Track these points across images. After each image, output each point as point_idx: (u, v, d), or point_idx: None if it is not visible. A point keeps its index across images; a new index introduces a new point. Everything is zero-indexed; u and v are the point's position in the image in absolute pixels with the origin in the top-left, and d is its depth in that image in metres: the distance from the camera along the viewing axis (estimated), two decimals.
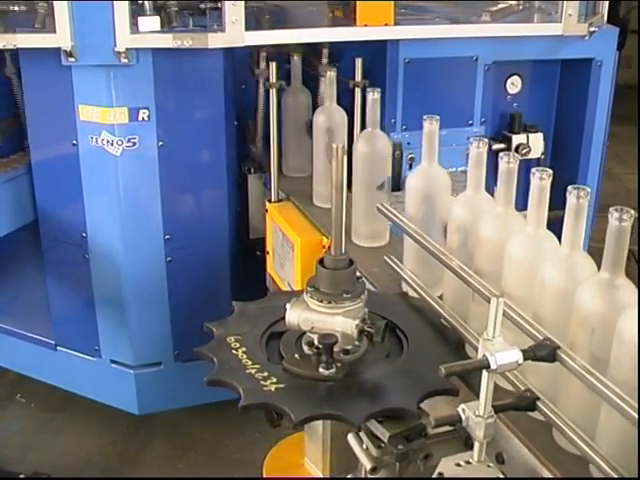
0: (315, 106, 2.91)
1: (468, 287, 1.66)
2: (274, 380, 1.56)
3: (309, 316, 1.63)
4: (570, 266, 1.42)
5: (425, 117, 1.90)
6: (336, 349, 1.60)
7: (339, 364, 1.59)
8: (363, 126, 2.47)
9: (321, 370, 1.58)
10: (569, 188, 1.40)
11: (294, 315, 1.64)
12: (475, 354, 1.61)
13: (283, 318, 1.73)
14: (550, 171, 1.49)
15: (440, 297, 1.87)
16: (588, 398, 1.34)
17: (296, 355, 1.65)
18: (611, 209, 1.30)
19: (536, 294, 1.49)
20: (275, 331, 1.74)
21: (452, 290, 1.81)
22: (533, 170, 1.50)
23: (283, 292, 1.93)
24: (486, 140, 1.72)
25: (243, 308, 1.84)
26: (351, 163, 2.27)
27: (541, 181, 1.49)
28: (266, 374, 1.57)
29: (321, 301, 1.63)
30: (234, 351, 1.65)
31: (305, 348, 1.66)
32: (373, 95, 2.28)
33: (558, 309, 1.44)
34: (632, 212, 1.31)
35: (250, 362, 1.61)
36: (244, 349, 1.65)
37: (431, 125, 1.89)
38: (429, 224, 1.92)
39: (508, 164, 1.60)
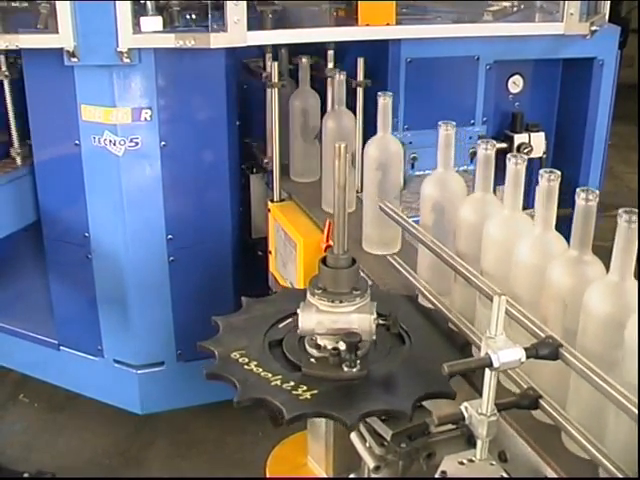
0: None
1: (450, 270, 1.75)
2: (304, 388, 1.55)
3: (323, 318, 1.62)
4: (543, 244, 1.49)
5: (380, 94, 2.21)
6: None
7: (359, 361, 1.60)
8: (371, 128, 2.49)
9: (346, 369, 1.59)
10: (541, 172, 1.48)
11: (307, 320, 1.62)
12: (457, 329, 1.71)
13: (273, 325, 1.75)
14: (525, 157, 1.59)
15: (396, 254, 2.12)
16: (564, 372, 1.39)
17: (312, 360, 1.64)
18: (578, 190, 1.39)
19: (512, 272, 1.55)
20: (272, 339, 1.72)
21: (429, 268, 1.93)
22: (509, 156, 1.60)
23: (256, 300, 1.90)
24: (453, 123, 1.87)
25: (227, 322, 1.79)
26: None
27: (517, 166, 1.59)
28: (292, 383, 1.56)
29: (332, 301, 1.62)
30: (246, 367, 1.61)
31: (314, 351, 1.65)
32: (339, 77, 2.55)
33: (532, 285, 1.50)
34: (597, 192, 1.39)
35: (270, 374, 1.59)
36: (255, 362, 1.62)
37: (384, 100, 2.21)
38: (384, 190, 2.21)
39: (486, 150, 1.71)
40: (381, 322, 1.65)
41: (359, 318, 1.62)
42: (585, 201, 1.38)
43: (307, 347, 1.68)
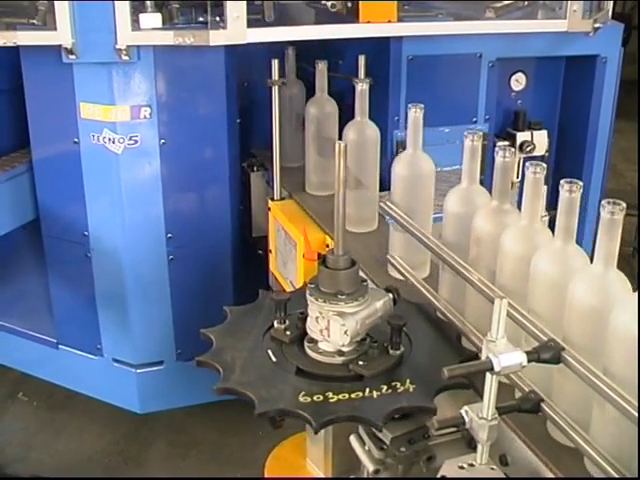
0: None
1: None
2: (398, 383, 1.58)
3: (361, 318, 1.64)
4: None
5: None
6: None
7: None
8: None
9: (397, 353, 1.65)
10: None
11: (353, 327, 1.62)
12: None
13: (267, 357, 1.70)
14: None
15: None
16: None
17: (360, 362, 1.64)
18: (497, 148, 1.60)
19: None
20: (288, 369, 1.67)
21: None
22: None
23: (216, 352, 1.73)
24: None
25: (236, 381, 1.62)
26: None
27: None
28: (385, 387, 1.57)
29: (357, 299, 1.65)
30: (331, 400, 1.55)
31: (341, 359, 1.66)
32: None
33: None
34: (513, 150, 1.60)
35: (354, 394, 1.56)
36: (331, 392, 1.57)
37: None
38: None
39: (504, 158, 1.64)
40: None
41: (382, 303, 1.68)
42: (503, 157, 1.57)
43: (321, 357, 1.68)
